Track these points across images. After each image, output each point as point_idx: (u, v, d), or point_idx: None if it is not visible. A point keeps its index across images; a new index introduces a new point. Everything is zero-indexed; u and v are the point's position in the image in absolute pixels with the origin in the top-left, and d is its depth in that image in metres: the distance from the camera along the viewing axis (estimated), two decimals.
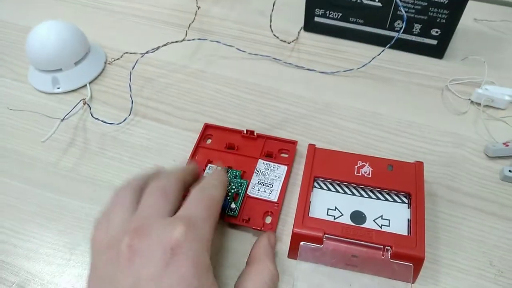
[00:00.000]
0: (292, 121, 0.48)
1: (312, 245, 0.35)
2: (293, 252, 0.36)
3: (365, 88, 0.52)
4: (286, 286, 0.36)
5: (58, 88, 0.52)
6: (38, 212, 0.42)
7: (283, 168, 0.43)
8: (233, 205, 0.39)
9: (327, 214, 0.37)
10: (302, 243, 0.35)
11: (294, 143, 0.44)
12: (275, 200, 0.40)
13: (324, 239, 0.35)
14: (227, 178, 0.39)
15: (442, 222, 0.40)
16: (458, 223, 0.40)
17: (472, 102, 0.49)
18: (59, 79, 0.52)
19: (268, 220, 0.39)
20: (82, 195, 0.43)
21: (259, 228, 0.38)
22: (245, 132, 0.45)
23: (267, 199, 0.40)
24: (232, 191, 0.40)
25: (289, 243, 0.37)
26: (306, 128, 0.48)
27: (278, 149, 0.44)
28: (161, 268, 0.25)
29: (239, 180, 0.41)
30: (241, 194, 0.40)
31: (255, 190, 0.41)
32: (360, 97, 0.50)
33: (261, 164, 0.43)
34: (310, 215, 0.36)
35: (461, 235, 0.39)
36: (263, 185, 0.41)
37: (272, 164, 0.43)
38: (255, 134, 0.45)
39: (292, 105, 0.50)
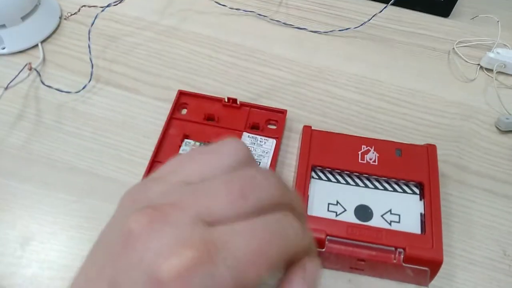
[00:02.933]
0: (280, 89, 0.39)
1: None
2: None
3: (363, 51, 0.42)
4: None
5: (3, 49, 0.41)
6: None
7: (271, 142, 0.35)
8: None
9: (328, 210, 0.29)
10: None
11: (283, 112, 0.36)
12: None
13: (326, 242, 0.27)
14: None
15: (451, 206, 0.33)
16: (468, 207, 0.34)
17: (481, 67, 0.41)
18: (3, 38, 0.40)
19: None
20: (35, 179, 0.34)
21: None
22: (226, 100, 0.37)
23: None
24: None
25: None
26: (296, 98, 0.39)
27: (265, 120, 0.36)
28: None
29: None
30: None
31: None
32: (357, 61, 0.42)
33: (246, 137, 0.35)
34: (309, 213, 0.28)
35: (471, 220, 0.33)
36: None
37: (258, 137, 0.35)
38: (238, 102, 0.37)
39: (280, 70, 0.41)
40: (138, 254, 0.16)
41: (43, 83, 0.37)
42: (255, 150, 0.34)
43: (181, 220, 0.17)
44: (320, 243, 0.27)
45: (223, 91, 0.39)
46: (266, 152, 0.34)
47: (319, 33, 0.43)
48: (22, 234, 0.32)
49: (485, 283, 0.30)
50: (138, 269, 0.16)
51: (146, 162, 0.33)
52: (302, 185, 0.29)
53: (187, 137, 0.35)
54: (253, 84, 0.40)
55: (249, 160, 0.20)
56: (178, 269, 0.15)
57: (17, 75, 0.36)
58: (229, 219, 0.17)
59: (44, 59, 0.41)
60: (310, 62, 0.41)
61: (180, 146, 0.34)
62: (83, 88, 0.38)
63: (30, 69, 0.36)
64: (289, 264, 0.19)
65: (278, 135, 0.35)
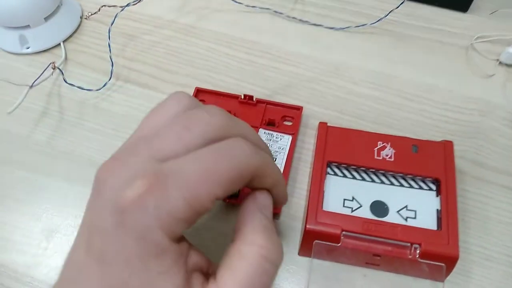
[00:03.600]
0: (296, 86, 0.40)
1: (328, 243, 0.28)
2: (306, 250, 0.29)
3: (379, 47, 0.42)
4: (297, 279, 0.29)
5: (28, 48, 0.42)
6: (8, 194, 0.35)
7: (287, 138, 0.35)
8: None
9: (344, 206, 0.30)
10: (316, 241, 0.28)
11: (299, 109, 0.37)
12: None
13: (342, 237, 0.28)
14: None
15: (468, 202, 0.33)
16: (485, 203, 0.33)
17: (501, 63, 0.41)
18: (28, 37, 0.42)
19: None
20: (58, 173, 0.35)
21: None
22: (242, 97, 0.37)
23: None
24: None
25: (299, 240, 0.30)
26: (312, 94, 0.39)
27: (280, 116, 0.36)
28: (109, 226, 0.19)
29: None
30: None
31: None
32: (374, 57, 0.42)
33: (262, 134, 0.35)
34: (324, 208, 0.29)
35: (488, 216, 0.33)
36: None
37: (274, 133, 0.35)
38: (254, 99, 0.37)
39: (296, 67, 0.41)
40: (104, 194, 0.19)
41: (65, 81, 0.38)
42: (271, 147, 0.34)
43: (136, 162, 0.20)
44: (336, 238, 0.28)
45: (240, 88, 0.40)
46: (282, 148, 0.34)
47: (336, 30, 0.44)
48: (47, 226, 0.33)
49: (501, 279, 0.30)
50: (105, 206, 0.19)
51: None
52: (318, 181, 0.30)
53: None
54: (269, 80, 0.40)
55: (194, 105, 0.23)
56: (133, 197, 0.18)
57: (41, 74, 0.37)
58: (178, 153, 0.20)
59: (66, 58, 0.42)
60: (327, 59, 0.42)
61: None
62: (104, 86, 0.39)
63: (54, 68, 0.37)
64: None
65: (294, 132, 0.35)
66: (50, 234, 0.33)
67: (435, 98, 0.39)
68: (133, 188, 0.18)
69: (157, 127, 0.21)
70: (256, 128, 0.36)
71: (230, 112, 0.36)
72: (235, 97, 0.37)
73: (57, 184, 0.35)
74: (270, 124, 0.36)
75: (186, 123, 0.21)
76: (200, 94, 0.38)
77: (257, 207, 0.22)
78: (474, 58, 0.41)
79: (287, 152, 0.34)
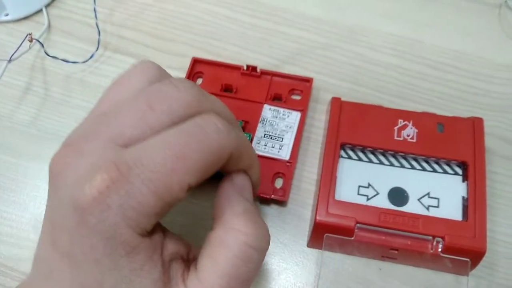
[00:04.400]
0: (306, 54, 0.37)
1: (341, 237, 0.27)
2: (315, 242, 0.28)
3: (401, 7, 0.39)
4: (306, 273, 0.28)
5: (6, 16, 0.40)
6: None
7: (296, 115, 0.33)
8: None
9: (358, 194, 0.28)
10: (326, 235, 0.27)
11: (308, 80, 0.34)
12: (287, 158, 0.31)
13: (356, 230, 0.26)
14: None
15: (495, 185, 0.31)
16: None
17: None
18: (6, 3, 0.39)
19: (279, 183, 0.31)
20: (45, 156, 0.33)
21: (268, 196, 0.30)
22: (245, 68, 0.35)
23: (276, 157, 0.31)
24: None
25: (309, 231, 0.28)
26: (324, 63, 0.37)
27: (288, 90, 0.34)
28: (72, 226, 0.17)
29: None
30: None
31: (261, 145, 0.32)
32: (395, 19, 0.39)
33: (267, 110, 0.33)
34: (337, 197, 0.27)
35: None
36: (271, 138, 0.32)
37: (281, 110, 0.33)
38: (258, 70, 0.35)
39: (306, 31, 0.38)
40: (61, 190, 0.18)
41: (47, 54, 0.36)
42: (278, 125, 0.33)
43: (94, 148, 0.18)
44: (349, 231, 0.26)
45: (242, 57, 0.37)
46: (290, 127, 0.32)
47: None
48: (35, 216, 0.32)
49: None
50: (64, 203, 0.17)
51: None
52: (330, 166, 0.28)
53: None
54: (276, 48, 0.38)
55: (160, 77, 0.21)
56: (93, 194, 0.17)
57: (19, 46, 0.35)
58: (142, 136, 0.18)
59: (49, 25, 0.40)
60: (341, 21, 0.39)
61: None
62: (91, 57, 0.37)
63: (31, 40, 0.35)
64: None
65: (303, 107, 0.33)
66: (39, 224, 0.32)
67: (463, 66, 0.36)
68: (92, 184, 0.17)
69: (118, 103, 0.19)
70: (261, 104, 0.34)
71: (231, 85, 0.34)
72: (237, 68, 0.35)
73: (44, 168, 0.33)
74: (276, 99, 0.34)
75: (150, 100, 0.19)
76: (198, 65, 0.36)
77: (235, 190, 0.21)
78: (508, 18, 0.38)
79: (295, 131, 0.32)
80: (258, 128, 0.33)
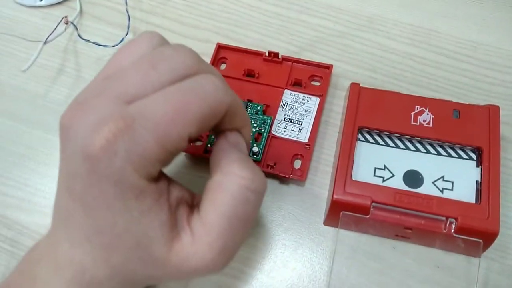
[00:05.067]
0: (326, 42, 0.37)
1: (357, 215, 0.27)
2: (332, 220, 0.28)
3: None
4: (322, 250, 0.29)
5: (41, 1, 0.41)
6: (27, 154, 0.34)
7: (315, 100, 0.33)
8: (255, 148, 0.31)
9: (374, 175, 0.28)
10: (343, 212, 0.27)
11: (328, 67, 0.34)
12: (306, 140, 0.32)
13: (371, 209, 0.27)
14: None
15: (509, 172, 0.31)
16: None
17: None
18: None
19: (297, 164, 0.31)
20: None
21: (287, 176, 0.30)
22: (267, 54, 0.35)
23: (295, 139, 0.32)
24: (254, 130, 0.32)
25: (325, 209, 0.29)
26: (343, 51, 0.37)
27: (308, 76, 0.34)
28: (83, 174, 0.19)
29: (261, 116, 0.32)
30: (265, 134, 0.32)
31: (281, 128, 0.32)
32: (413, 9, 0.38)
33: (288, 95, 0.33)
34: (354, 177, 0.27)
35: None
36: (291, 122, 0.32)
37: (301, 95, 0.33)
38: (279, 56, 0.35)
39: (326, 20, 0.38)
40: (71, 142, 0.19)
41: (80, 37, 0.37)
42: (297, 109, 0.33)
43: (101, 104, 0.19)
44: (365, 209, 0.27)
45: (264, 44, 0.38)
46: (309, 111, 0.33)
47: None
48: None
49: None
50: (75, 153, 0.19)
51: None
52: (348, 148, 0.28)
53: None
54: (296, 35, 0.38)
55: (162, 44, 0.22)
56: (101, 142, 0.18)
57: (54, 29, 0.36)
58: (145, 93, 0.19)
59: (81, 11, 0.40)
60: (360, 11, 0.39)
61: None
62: (121, 41, 0.38)
63: (67, 22, 0.36)
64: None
65: (322, 93, 0.33)
66: None
67: (480, 56, 0.36)
68: (100, 134, 0.18)
69: (123, 66, 0.20)
70: (281, 89, 0.34)
71: (253, 70, 0.34)
72: (259, 54, 0.35)
73: None
74: (297, 85, 0.34)
75: (153, 61, 0.20)
76: (222, 50, 0.36)
77: (230, 145, 0.22)
78: None
79: (314, 116, 0.32)
80: (278, 112, 0.33)
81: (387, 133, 0.29)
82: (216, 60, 0.36)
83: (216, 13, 0.40)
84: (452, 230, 0.26)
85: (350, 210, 0.27)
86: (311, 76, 0.35)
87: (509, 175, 0.31)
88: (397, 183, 0.28)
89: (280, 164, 0.31)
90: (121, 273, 0.20)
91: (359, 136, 0.29)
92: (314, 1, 0.39)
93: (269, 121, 0.32)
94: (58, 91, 0.37)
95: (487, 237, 0.26)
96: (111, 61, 0.22)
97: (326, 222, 0.29)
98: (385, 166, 0.28)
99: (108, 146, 0.18)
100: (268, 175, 0.31)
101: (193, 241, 0.20)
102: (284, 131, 0.32)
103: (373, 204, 0.26)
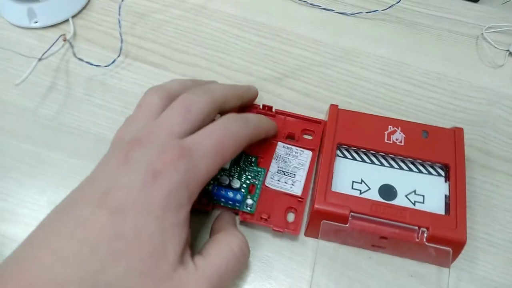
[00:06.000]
0: (306, 70, 0.39)
1: (336, 224, 0.28)
2: (312, 230, 0.29)
3: (390, 34, 0.42)
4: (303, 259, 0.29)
5: (36, 23, 0.41)
6: (14, 167, 0.34)
7: (307, 154, 0.32)
8: (249, 201, 0.30)
9: (352, 188, 0.29)
10: (323, 221, 0.28)
11: (319, 122, 0.34)
12: (299, 193, 0.30)
13: (350, 218, 0.27)
14: (273, 125, 0.33)
15: (474, 189, 0.33)
16: (491, 191, 0.33)
17: (510, 53, 0.40)
18: (36, 11, 0.41)
19: (291, 217, 0.30)
20: (65, 148, 0.35)
21: (281, 230, 0.29)
22: (261, 107, 0.35)
23: (289, 192, 0.31)
24: (248, 181, 0.31)
25: (306, 220, 0.29)
26: (322, 78, 0.39)
27: (300, 130, 0.34)
28: (136, 185, 0.22)
29: (255, 168, 0.32)
30: (258, 186, 0.31)
31: (274, 180, 0.31)
32: (384, 44, 0.41)
33: (281, 148, 0.33)
34: (333, 189, 0.28)
35: (494, 204, 0.32)
36: (284, 174, 0.31)
37: (294, 148, 0.33)
38: (273, 110, 0.35)
39: (306, 51, 0.40)
40: (134, 160, 0.23)
41: (75, 55, 0.37)
42: (291, 162, 0.32)
43: (157, 139, 0.24)
44: (344, 219, 0.27)
45: (250, 70, 0.39)
46: (302, 164, 0.32)
47: (346, 15, 0.43)
48: (52, 199, 0.32)
49: (505, 265, 0.30)
50: (135, 169, 0.22)
51: None
52: (328, 162, 0.29)
53: None
54: (279, 63, 0.40)
55: (188, 86, 0.28)
56: (168, 161, 0.22)
57: (51, 46, 0.36)
58: (188, 131, 0.25)
59: (75, 33, 0.41)
60: (337, 43, 0.41)
61: None
62: (112, 62, 0.38)
63: (65, 40, 0.36)
64: None
65: (314, 147, 0.32)
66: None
67: (444, 86, 0.38)
68: (166, 155, 0.23)
69: (158, 113, 0.26)
70: (275, 142, 0.33)
71: None
72: (255, 107, 0.35)
73: (64, 158, 0.34)
74: (290, 138, 0.34)
75: (183, 106, 0.25)
76: None
77: (231, 215, 0.30)
78: (484, 47, 0.41)
79: (307, 169, 0.32)
80: (272, 164, 0.32)
81: (364, 150, 0.30)
82: None
83: (204, 40, 0.41)
84: (424, 239, 0.27)
85: (330, 219, 0.27)
86: (304, 130, 0.34)
87: (474, 192, 0.32)
88: (373, 195, 0.29)
89: (274, 216, 0.30)
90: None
91: (338, 152, 0.30)
92: (295, 33, 0.41)
93: (263, 173, 0.31)
94: (48, 107, 0.37)
95: (456, 246, 0.27)
96: (133, 116, 0.27)
97: (307, 233, 0.30)
98: (362, 180, 0.29)
99: (173, 163, 0.22)
100: (262, 227, 0.30)
101: (196, 271, 0.22)
102: (278, 183, 0.31)
103: (351, 213, 0.27)
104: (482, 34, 0.41)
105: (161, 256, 0.21)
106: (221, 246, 0.25)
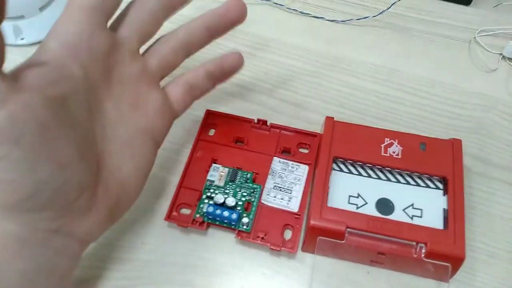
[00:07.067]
0: (297, 80, 0.38)
1: (332, 240, 0.27)
2: (309, 246, 0.28)
3: (381, 40, 0.41)
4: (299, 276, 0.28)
5: (22, 39, 0.40)
6: None
7: (304, 168, 0.31)
8: (245, 219, 0.29)
9: (349, 203, 0.28)
10: (319, 237, 0.27)
11: (315, 135, 0.33)
12: (296, 210, 0.29)
13: (346, 234, 0.26)
14: None
15: (469, 198, 0.32)
16: (488, 200, 0.32)
17: (504, 57, 0.39)
18: (22, 28, 0.40)
19: (288, 234, 0.29)
20: None
21: (278, 249, 0.28)
22: (255, 121, 0.34)
23: (285, 208, 0.30)
24: (243, 199, 0.30)
25: (303, 236, 0.29)
26: (313, 88, 0.38)
27: (296, 144, 0.33)
28: None
29: (251, 185, 0.30)
30: (254, 203, 0.30)
31: (270, 197, 0.30)
32: (376, 51, 0.40)
33: (277, 162, 0.32)
34: (329, 204, 0.28)
35: (491, 213, 0.32)
36: (280, 190, 0.30)
37: (290, 162, 0.32)
38: (268, 124, 0.34)
39: (296, 60, 0.40)
40: None
41: None
42: (287, 177, 0.31)
43: None
44: (340, 235, 0.27)
45: (238, 81, 0.38)
46: (298, 179, 0.31)
47: (337, 22, 0.42)
48: None
49: (504, 276, 0.29)
50: None
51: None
52: (323, 176, 0.28)
53: (215, 161, 0.32)
54: (270, 74, 0.39)
55: None
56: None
57: None
58: None
59: None
60: (328, 52, 0.40)
61: (207, 171, 0.31)
62: None
63: None
64: None
65: (311, 161, 0.31)
66: None
67: (437, 93, 0.38)
68: None
69: None
70: (270, 156, 0.32)
71: (242, 138, 0.33)
72: (248, 121, 0.34)
73: None
74: (285, 152, 0.33)
75: None
76: (211, 117, 0.35)
77: None
78: (477, 52, 0.40)
79: (303, 184, 0.31)
80: (268, 179, 0.31)
81: (360, 163, 0.30)
82: (206, 125, 0.34)
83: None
84: (422, 255, 0.26)
85: (326, 235, 0.27)
86: (299, 144, 0.33)
87: (474, 202, 0.32)
88: (370, 210, 0.28)
89: (270, 235, 0.29)
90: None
91: (334, 165, 0.30)
92: (285, 43, 0.41)
93: (259, 189, 0.30)
94: None
95: (455, 262, 0.26)
96: None
97: (304, 248, 0.29)
98: (358, 194, 0.29)
99: None
100: (259, 246, 0.29)
101: None
102: (274, 199, 0.30)
103: (348, 229, 0.26)
104: (474, 37, 0.41)
105: None
106: None
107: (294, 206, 0.30)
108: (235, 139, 0.33)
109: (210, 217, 0.29)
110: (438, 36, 0.41)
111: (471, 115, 0.36)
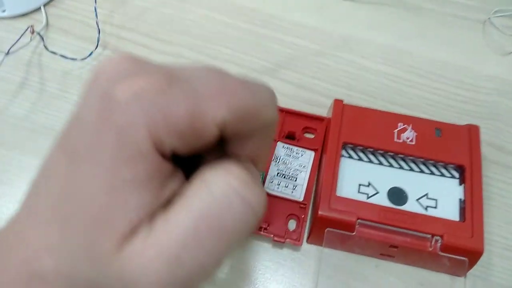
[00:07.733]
0: (302, 60, 0.36)
1: (342, 232, 0.25)
2: (316, 238, 0.26)
3: (391, 19, 0.38)
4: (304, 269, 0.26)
5: (3, 12, 0.37)
6: None
7: (309, 155, 0.29)
8: None
9: (359, 192, 0.26)
10: (328, 229, 0.25)
11: (322, 119, 0.30)
12: (301, 199, 0.27)
13: (357, 225, 0.24)
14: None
15: (486, 188, 0.30)
16: (504, 189, 0.30)
17: None
18: (3, 0, 0.36)
19: (292, 225, 0.27)
20: (39, 151, 0.30)
21: (282, 241, 0.26)
22: None
23: (290, 197, 0.27)
24: None
25: (309, 227, 0.26)
26: (319, 68, 0.35)
27: (301, 128, 0.31)
28: (89, 119, 0.15)
29: None
30: None
31: (274, 184, 0.28)
32: (385, 30, 0.38)
33: (281, 148, 0.29)
34: (338, 193, 0.25)
35: (507, 204, 0.30)
36: (284, 177, 0.28)
37: (295, 148, 0.29)
38: None
39: (301, 39, 0.37)
40: (98, 83, 0.14)
41: (46, 48, 0.34)
42: (291, 163, 0.29)
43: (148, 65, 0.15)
44: (350, 226, 0.24)
45: (239, 60, 0.35)
46: (304, 166, 0.29)
47: None
48: None
49: None
50: (95, 94, 0.14)
51: None
52: (332, 163, 0.26)
53: None
54: (272, 53, 0.36)
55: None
56: (132, 86, 0.14)
57: (18, 39, 0.32)
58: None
59: (47, 23, 0.37)
60: (334, 31, 0.37)
61: None
62: (90, 55, 0.35)
63: (33, 32, 0.32)
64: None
65: (317, 147, 0.29)
66: None
67: (449, 76, 0.35)
68: (134, 79, 0.14)
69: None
70: (274, 141, 0.30)
71: None
72: None
73: (37, 163, 0.30)
74: (290, 137, 0.30)
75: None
76: None
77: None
78: (492, 33, 0.38)
79: (309, 171, 0.28)
80: (271, 166, 0.29)
81: (371, 149, 0.27)
82: None
83: (189, 29, 0.37)
84: (438, 249, 0.24)
85: (335, 226, 0.25)
86: (305, 128, 0.31)
87: (489, 192, 0.30)
88: (382, 200, 0.26)
89: (274, 225, 0.27)
90: (66, 269, 0.14)
91: (343, 152, 0.27)
92: (289, 20, 0.38)
93: (261, 176, 0.28)
94: (20, 105, 0.33)
95: (472, 256, 0.24)
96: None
97: (310, 240, 0.27)
98: (369, 183, 0.26)
99: (137, 89, 0.14)
100: (262, 237, 0.27)
101: (145, 241, 0.14)
102: (278, 187, 0.28)
103: (358, 220, 0.24)
104: (489, 18, 0.38)
105: (102, 228, 0.14)
106: (195, 192, 0.15)
107: (299, 194, 0.28)
108: None
109: None
110: (450, 16, 0.39)
111: (485, 99, 0.34)
